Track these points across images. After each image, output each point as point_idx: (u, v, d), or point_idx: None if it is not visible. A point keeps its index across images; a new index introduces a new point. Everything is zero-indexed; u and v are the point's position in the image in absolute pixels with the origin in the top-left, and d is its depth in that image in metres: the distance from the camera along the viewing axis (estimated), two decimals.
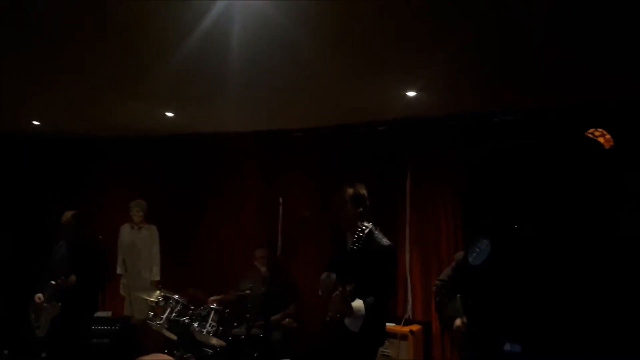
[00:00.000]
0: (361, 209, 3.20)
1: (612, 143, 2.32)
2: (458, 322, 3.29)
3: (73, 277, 4.31)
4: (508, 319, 2.55)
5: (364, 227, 3.17)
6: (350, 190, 3.21)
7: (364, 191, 3.22)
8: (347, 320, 3.05)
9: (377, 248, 3.11)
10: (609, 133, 2.45)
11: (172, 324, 4.86)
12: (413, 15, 2.73)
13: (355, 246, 3.17)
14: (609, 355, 2.16)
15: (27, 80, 4.20)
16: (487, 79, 3.97)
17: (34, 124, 6.06)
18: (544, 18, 2.74)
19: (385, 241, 3.15)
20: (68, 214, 4.55)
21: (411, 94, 4.30)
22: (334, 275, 3.16)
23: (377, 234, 3.18)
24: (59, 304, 4.33)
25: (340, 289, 2.88)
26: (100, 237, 4.58)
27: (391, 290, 3.22)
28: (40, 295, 4.40)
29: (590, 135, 2.32)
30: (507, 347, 2.48)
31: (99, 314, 5.13)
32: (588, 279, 2.37)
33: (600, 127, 2.56)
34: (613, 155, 2.31)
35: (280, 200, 6.12)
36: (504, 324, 2.58)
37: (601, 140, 2.29)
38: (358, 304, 3.00)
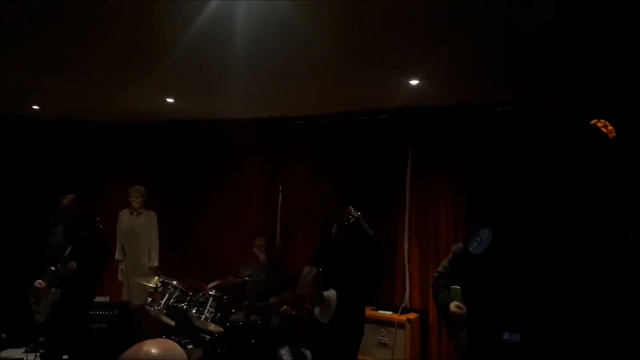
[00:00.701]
0: (348, 198, 3.20)
1: (614, 134, 2.31)
2: (452, 306, 3.30)
3: (73, 264, 4.31)
4: (507, 308, 2.55)
5: (350, 217, 3.16)
6: (336, 180, 3.21)
7: (352, 179, 3.22)
8: (316, 310, 3.04)
9: (361, 238, 3.11)
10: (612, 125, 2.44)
11: (170, 310, 4.87)
12: (416, 3, 2.71)
13: (339, 234, 3.17)
14: (609, 346, 2.18)
15: (28, 65, 4.17)
16: (490, 69, 3.95)
17: (34, 109, 6.03)
18: (548, 8, 2.73)
19: (369, 231, 3.14)
20: (68, 198, 4.54)
21: (414, 82, 4.28)
22: (315, 270, 3.16)
23: (363, 223, 3.17)
24: (59, 289, 4.33)
25: (313, 275, 2.89)
26: (98, 219, 4.55)
27: (373, 281, 3.21)
28: (40, 281, 4.40)
29: (593, 126, 2.32)
30: (506, 336, 2.49)
31: (97, 299, 5.14)
32: (588, 271, 2.38)
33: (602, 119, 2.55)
34: (616, 148, 2.30)
35: (280, 188, 6.12)
36: (503, 313, 2.59)
37: (604, 130, 2.29)
38: (330, 293, 2.99)
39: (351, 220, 3.15)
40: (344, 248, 3.11)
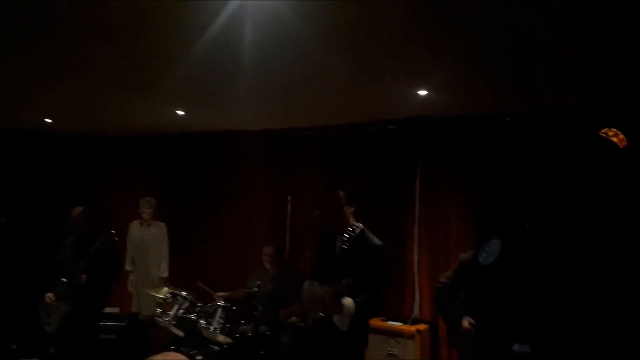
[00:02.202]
0: (353, 210, 3.24)
1: (625, 143, 2.30)
2: (466, 323, 3.26)
3: (83, 277, 4.32)
4: (517, 319, 2.53)
5: (354, 227, 3.19)
6: (343, 192, 3.24)
7: (355, 190, 3.27)
8: (336, 318, 3.05)
9: (370, 247, 3.14)
10: (623, 133, 2.43)
11: (179, 321, 4.86)
12: (425, 14, 2.73)
13: (346, 245, 3.18)
14: (619, 357, 2.15)
15: (40, 78, 4.23)
16: (498, 79, 3.95)
17: (47, 122, 6.10)
18: (554, 18, 2.73)
19: (377, 240, 3.19)
20: (77, 210, 4.58)
21: (422, 92, 4.29)
22: (317, 284, 3.17)
23: (369, 233, 3.20)
24: (70, 301, 4.34)
25: (337, 284, 2.90)
26: (113, 231, 4.58)
27: (383, 290, 3.23)
28: (51, 294, 4.42)
29: (604, 135, 2.31)
30: (516, 347, 2.47)
31: (106, 309, 5.16)
32: (598, 280, 2.35)
33: (613, 127, 2.53)
34: (626, 156, 2.29)
35: (289, 199, 6.12)
36: (513, 324, 2.57)
37: (615, 140, 2.28)
38: (348, 301, 3.00)
39: (357, 231, 3.17)
40: (354, 258, 3.12)
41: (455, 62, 3.50)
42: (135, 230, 6.26)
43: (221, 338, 4.79)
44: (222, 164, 6.59)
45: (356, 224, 3.24)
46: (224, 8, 2.66)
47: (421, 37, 3.09)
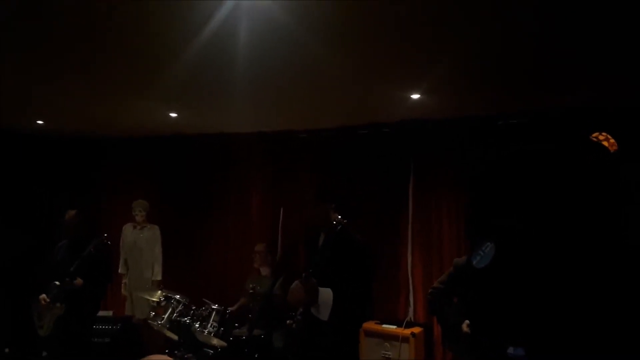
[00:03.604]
0: (333, 206, 3.26)
1: (616, 147, 2.31)
2: (465, 327, 3.28)
3: (80, 280, 4.31)
4: (512, 322, 2.54)
5: (337, 224, 3.21)
6: (325, 189, 3.27)
7: (327, 187, 3.31)
8: (313, 309, 3.08)
9: (349, 243, 3.18)
10: (613, 137, 2.44)
11: (173, 324, 4.86)
12: (418, 17, 2.74)
13: (329, 242, 3.21)
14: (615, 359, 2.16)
15: (32, 79, 4.20)
16: (491, 82, 3.97)
17: (38, 123, 6.07)
18: (547, 21, 2.75)
19: (357, 236, 3.24)
20: (71, 213, 4.56)
21: (415, 96, 4.30)
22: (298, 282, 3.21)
23: (350, 229, 3.26)
24: (63, 304, 4.32)
25: (299, 279, 2.96)
26: (105, 234, 4.56)
27: (367, 284, 3.25)
28: (44, 296, 4.40)
29: (595, 139, 2.32)
30: (510, 350, 2.47)
31: (100, 313, 5.14)
32: (592, 283, 2.36)
33: (604, 131, 2.55)
34: (617, 159, 2.30)
35: (282, 201, 6.12)
36: (507, 327, 2.57)
37: (605, 144, 2.29)
38: (325, 290, 3.03)
39: (338, 228, 3.19)
40: (334, 255, 3.15)
41: (447, 66, 3.51)
42: (129, 233, 6.24)
43: (215, 341, 4.79)
44: (216, 166, 6.58)
45: (340, 220, 3.26)
46: (217, 9, 2.65)
47: (415, 41, 3.10)
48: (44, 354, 4.94)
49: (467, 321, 3.26)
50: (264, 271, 5.53)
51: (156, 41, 3.21)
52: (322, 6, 2.60)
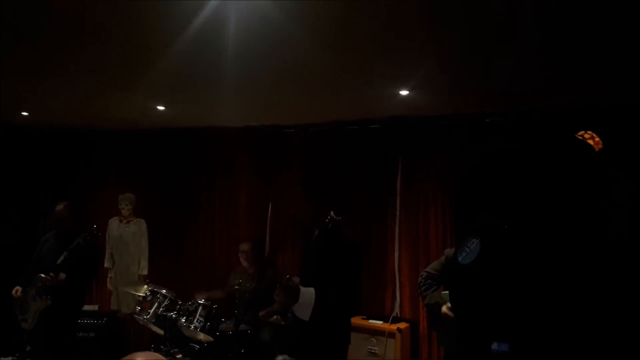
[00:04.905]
0: (324, 203, 3.27)
1: (601, 146, 2.34)
2: (444, 308, 3.32)
3: (62, 275, 4.27)
4: (496, 318, 2.56)
5: (328, 221, 3.21)
6: (317, 186, 3.27)
7: (309, 186, 3.31)
8: (295, 309, 3.09)
9: (338, 241, 3.17)
10: (599, 135, 2.47)
11: (159, 319, 4.84)
12: (408, 15, 2.74)
13: (319, 239, 3.22)
14: (598, 355, 2.19)
15: (17, 71, 4.15)
16: (480, 80, 4.00)
17: (23, 115, 6.00)
18: (537, 20, 2.77)
19: (346, 235, 3.23)
20: (61, 205, 4.52)
21: (404, 92, 4.31)
22: (297, 279, 3.22)
23: (340, 228, 3.24)
24: (48, 297, 4.28)
25: (280, 280, 2.97)
26: (95, 226, 4.52)
27: (355, 282, 3.26)
28: (18, 288, 4.35)
29: (580, 138, 2.35)
30: (494, 346, 2.49)
31: (85, 307, 5.10)
32: (577, 278, 2.39)
33: (589, 130, 2.58)
34: (602, 158, 2.33)
35: (270, 197, 6.13)
36: (492, 322, 2.59)
37: (591, 142, 2.32)
38: (306, 289, 3.04)
39: (329, 225, 3.19)
40: (323, 252, 3.16)
41: (436, 63, 3.53)
42: (114, 226, 6.19)
43: (202, 336, 4.78)
44: (203, 160, 6.55)
45: (333, 217, 3.26)
46: (207, 4, 2.64)
47: (404, 37, 3.10)
48: (28, 348, 4.89)
49: (448, 304, 3.30)
50: (250, 268, 5.53)
51: (143, 35, 3.18)
52: (311, 2, 2.60)
